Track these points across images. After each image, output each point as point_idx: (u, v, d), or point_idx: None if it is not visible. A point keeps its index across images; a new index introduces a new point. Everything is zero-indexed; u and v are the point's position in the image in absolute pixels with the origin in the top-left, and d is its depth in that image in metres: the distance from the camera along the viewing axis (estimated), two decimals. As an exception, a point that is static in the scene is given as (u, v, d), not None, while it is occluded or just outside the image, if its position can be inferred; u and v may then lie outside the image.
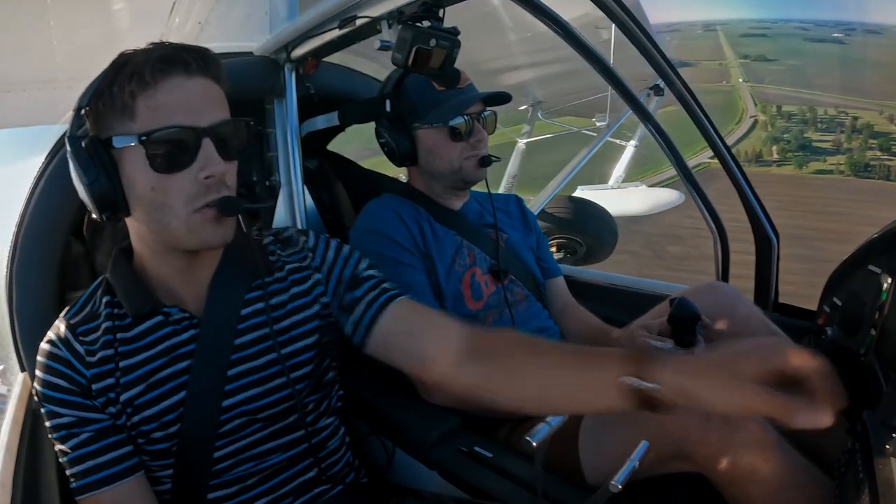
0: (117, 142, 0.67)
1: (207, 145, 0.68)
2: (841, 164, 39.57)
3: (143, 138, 0.65)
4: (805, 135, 45.84)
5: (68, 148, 0.69)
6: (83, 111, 0.69)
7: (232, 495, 0.80)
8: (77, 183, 0.69)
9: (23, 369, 1.02)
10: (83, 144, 0.68)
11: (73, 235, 1.05)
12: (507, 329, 0.87)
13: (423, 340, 0.77)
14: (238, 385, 0.77)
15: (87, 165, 0.67)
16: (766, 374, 0.50)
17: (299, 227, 1.31)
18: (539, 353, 0.69)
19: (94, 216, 0.71)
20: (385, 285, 0.83)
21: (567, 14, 1.23)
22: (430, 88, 1.13)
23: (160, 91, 0.66)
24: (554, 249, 3.38)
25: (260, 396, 0.78)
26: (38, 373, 0.73)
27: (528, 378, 0.68)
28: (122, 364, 0.73)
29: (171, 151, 0.66)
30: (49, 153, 1.04)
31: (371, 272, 0.85)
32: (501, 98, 1.16)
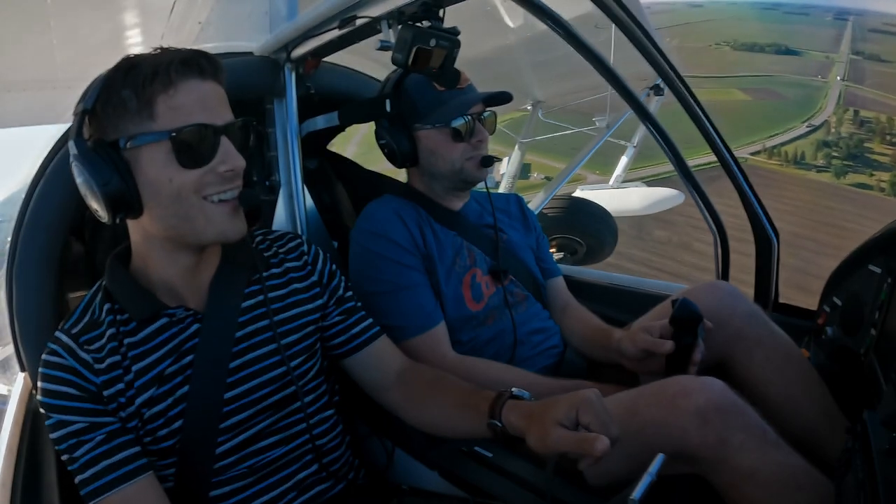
0: (135, 141, 0.68)
1: (225, 142, 0.72)
2: (883, 182, 36.25)
3: (174, 134, 0.68)
4: (865, 144, 41.65)
5: (75, 151, 0.69)
6: (87, 114, 0.69)
7: (234, 492, 0.80)
8: (86, 186, 0.69)
9: (23, 369, 1.02)
10: (91, 146, 0.68)
11: (73, 235, 1.05)
12: (432, 370, 0.96)
13: (379, 374, 0.94)
14: (240, 377, 0.79)
15: (100, 167, 0.67)
16: (568, 418, 0.67)
17: (299, 226, 1.31)
18: (439, 391, 0.89)
19: (104, 219, 0.71)
20: (370, 320, 0.95)
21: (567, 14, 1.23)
22: (431, 89, 1.13)
23: (180, 92, 0.68)
24: (554, 249, 3.38)
25: (261, 386, 0.81)
26: (42, 384, 0.72)
27: (427, 409, 0.90)
28: (134, 368, 0.74)
29: (196, 147, 0.70)
30: (49, 153, 1.04)
31: (354, 300, 0.95)
32: (502, 98, 1.16)
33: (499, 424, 0.77)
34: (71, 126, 0.70)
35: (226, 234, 0.74)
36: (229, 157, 0.72)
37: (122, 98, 0.68)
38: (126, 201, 0.69)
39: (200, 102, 0.70)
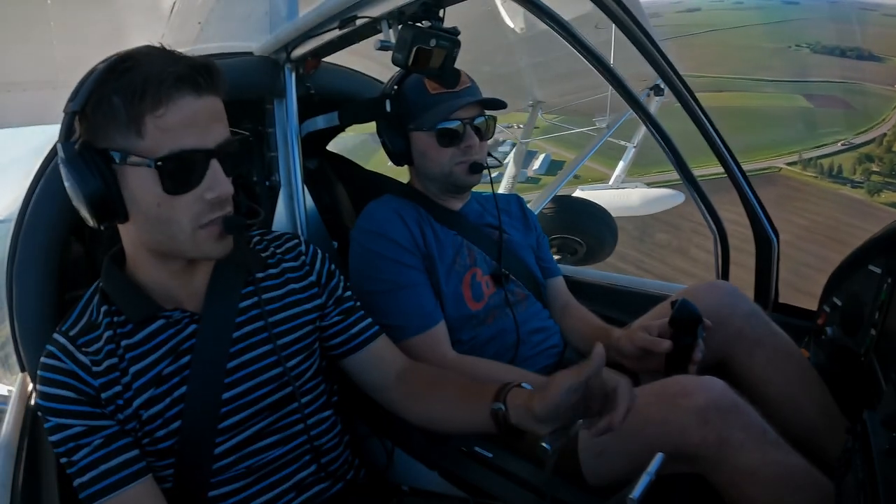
0: (123, 157, 0.65)
1: (215, 165, 0.69)
2: (929, 204, 31.70)
3: (159, 163, 0.65)
4: (918, 162, 36.96)
5: (62, 154, 0.66)
6: (76, 116, 0.66)
7: (233, 492, 0.80)
8: (72, 190, 0.67)
9: (23, 369, 1.03)
10: (79, 151, 0.66)
11: (73, 235, 1.05)
12: (432, 368, 0.97)
13: (379, 373, 0.93)
14: (237, 377, 0.79)
15: (85, 173, 0.65)
16: (576, 379, 0.67)
17: (299, 226, 1.31)
18: (441, 387, 0.89)
19: (90, 224, 0.69)
20: (369, 320, 0.95)
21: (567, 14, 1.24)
22: (423, 91, 1.13)
23: (170, 111, 0.65)
24: (554, 249, 3.38)
25: (259, 387, 0.81)
26: (40, 387, 0.72)
27: (429, 403, 0.89)
28: (131, 370, 0.74)
29: (182, 174, 0.67)
30: (49, 153, 1.04)
31: (353, 300, 0.94)
32: (493, 104, 1.15)
33: (502, 408, 0.75)
34: (60, 126, 0.67)
35: (211, 256, 0.73)
36: (216, 184, 0.68)
37: (112, 105, 0.64)
38: (111, 210, 0.68)
39: (192, 122, 0.66)
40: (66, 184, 0.67)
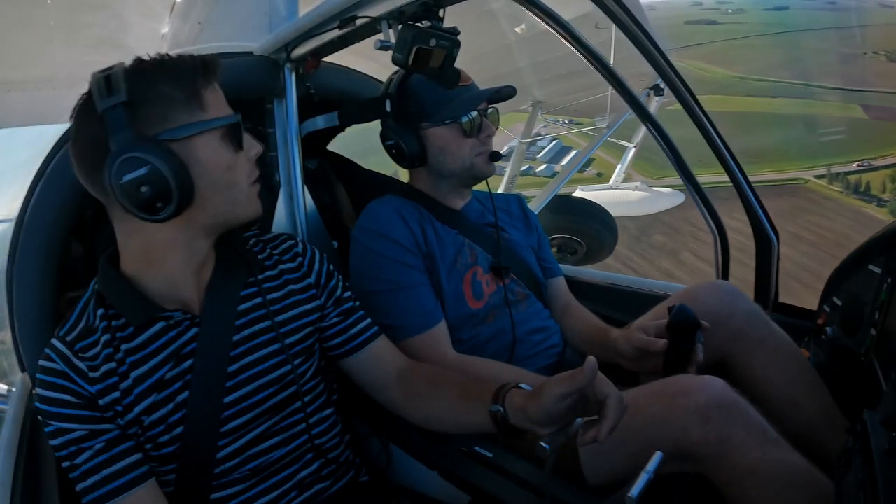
0: (190, 129, 0.70)
1: (245, 132, 0.78)
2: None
3: (233, 120, 0.74)
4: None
5: (124, 149, 0.65)
6: (125, 107, 0.66)
7: (236, 494, 0.80)
8: (148, 181, 0.65)
9: (23, 369, 1.03)
10: (142, 140, 0.66)
11: (73, 235, 1.05)
12: (432, 367, 0.97)
13: (379, 373, 0.93)
14: (239, 380, 0.79)
15: (165, 158, 0.66)
16: (567, 387, 0.67)
17: (299, 227, 1.31)
18: (441, 387, 0.88)
19: (165, 215, 0.68)
20: (368, 320, 0.95)
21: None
22: (437, 87, 1.13)
23: (216, 87, 0.75)
24: (554, 250, 3.38)
25: (262, 388, 0.80)
26: (40, 391, 0.72)
27: (429, 402, 0.89)
28: (133, 374, 0.73)
29: (239, 133, 0.75)
30: (49, 153, 1.04)
31: (352, 301, 0.95)
32: (507, 93, 1.17)
33: (501, 409, 0.75)
34: (108, 122, 0.66)
35: (258, 211, 0.80)
36: (252, 144, 0.79)
37: (162, 92, 0.69)
38: (189, 191, 0.69)
39: (222, 99, 0.76)
40: (134, 174, 0.65)
